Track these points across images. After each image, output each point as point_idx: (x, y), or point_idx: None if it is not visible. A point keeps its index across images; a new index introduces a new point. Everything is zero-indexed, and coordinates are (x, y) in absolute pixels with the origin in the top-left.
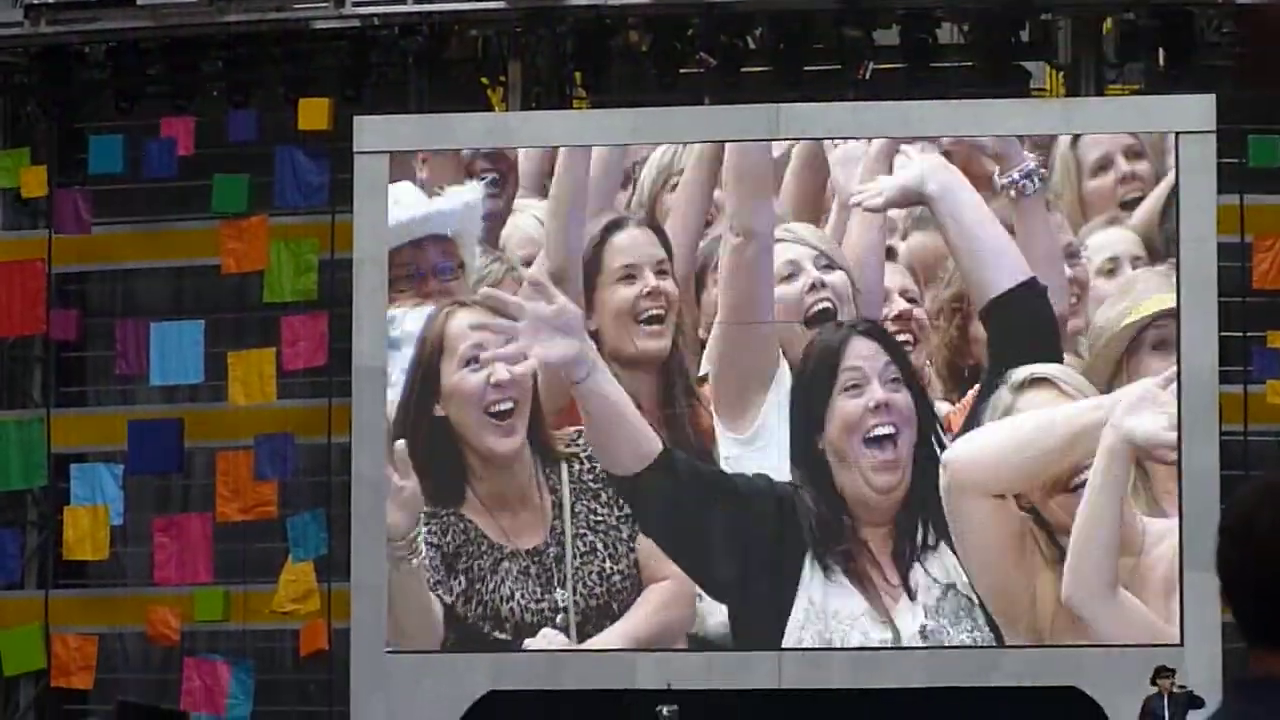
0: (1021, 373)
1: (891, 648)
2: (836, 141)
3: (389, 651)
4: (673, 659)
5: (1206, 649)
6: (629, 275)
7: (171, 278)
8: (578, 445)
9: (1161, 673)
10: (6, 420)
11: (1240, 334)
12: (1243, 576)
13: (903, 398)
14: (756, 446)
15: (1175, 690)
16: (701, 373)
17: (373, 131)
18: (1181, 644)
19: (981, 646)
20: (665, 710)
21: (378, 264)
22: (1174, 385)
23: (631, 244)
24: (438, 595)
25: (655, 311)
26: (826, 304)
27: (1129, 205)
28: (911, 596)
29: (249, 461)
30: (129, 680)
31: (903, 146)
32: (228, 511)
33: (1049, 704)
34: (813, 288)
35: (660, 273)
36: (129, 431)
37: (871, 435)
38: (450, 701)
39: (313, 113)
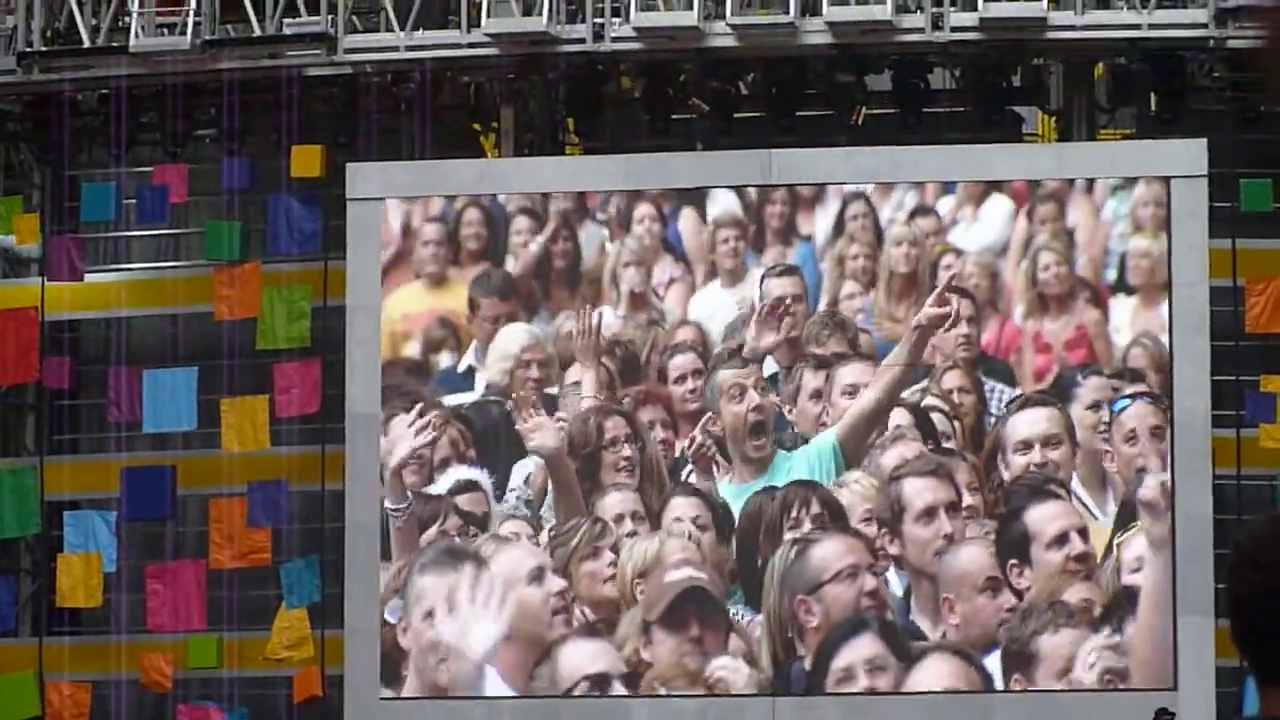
0: None
1: (886, 693)
2: None
3: (383, 698)
4: (668, 704)
5: (1201, 692)
6: None
7: (164, 325)
8: None
9: (1162, 716)
10: (0, 469)
11: (1233, 378)
12: (1248, 613)
13: None
14: None
15: None
16: None
17: (365, 178)
18: (1175, 688)
19: (975, 691)
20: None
21: (370, 311)
22: None
23: None
24: None
25: None
26: None
27: None
28: None
29: (242, 508)
30: None
31: None
32: (221, 558)
33: None
34: None
35: None
36: (122, 478)
37: None
38: None
39: (305, 160)
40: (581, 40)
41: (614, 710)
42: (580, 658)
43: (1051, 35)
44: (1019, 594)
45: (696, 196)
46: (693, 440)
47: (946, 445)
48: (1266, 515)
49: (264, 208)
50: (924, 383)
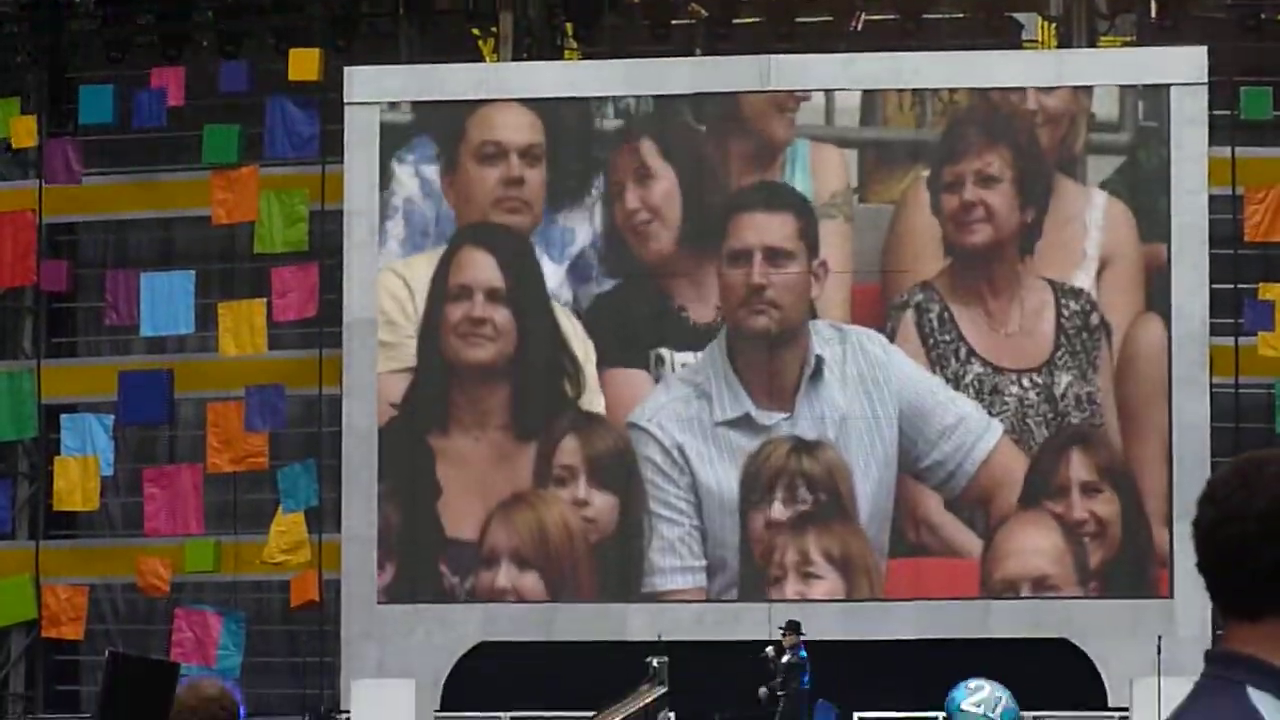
0: None
1: (882, 599)
2: None
3: (380, 603)
4: (664, 610)
5: (1197, 600)
6: None
7: (162, 228)
8: None
9: (789, 627)
10: None
11: (1231, 286)
12: (1204, 545)
13: None
14: None
15: (789, 650)
16: None
17: (363, 82)
18: (1171, 596)
19: (970, 598)
20: (655, 661)
21: (368, 216)
22: None
23: None
24: None
25: None
26: None
27: None
28: None
29: (239, 412)
30: (119, 631)
31: None
32: (218, 462)
33: (1039, 656)
34: None
35: None
36: (119, 382)
37: None
38: (442, 652)
39: (303, 63)
40: None
41: (610, 614)
42: None
43: None
44: None
45: None
46: None
47: None
48: (1231, 460)
49: (261, 111)
50: None
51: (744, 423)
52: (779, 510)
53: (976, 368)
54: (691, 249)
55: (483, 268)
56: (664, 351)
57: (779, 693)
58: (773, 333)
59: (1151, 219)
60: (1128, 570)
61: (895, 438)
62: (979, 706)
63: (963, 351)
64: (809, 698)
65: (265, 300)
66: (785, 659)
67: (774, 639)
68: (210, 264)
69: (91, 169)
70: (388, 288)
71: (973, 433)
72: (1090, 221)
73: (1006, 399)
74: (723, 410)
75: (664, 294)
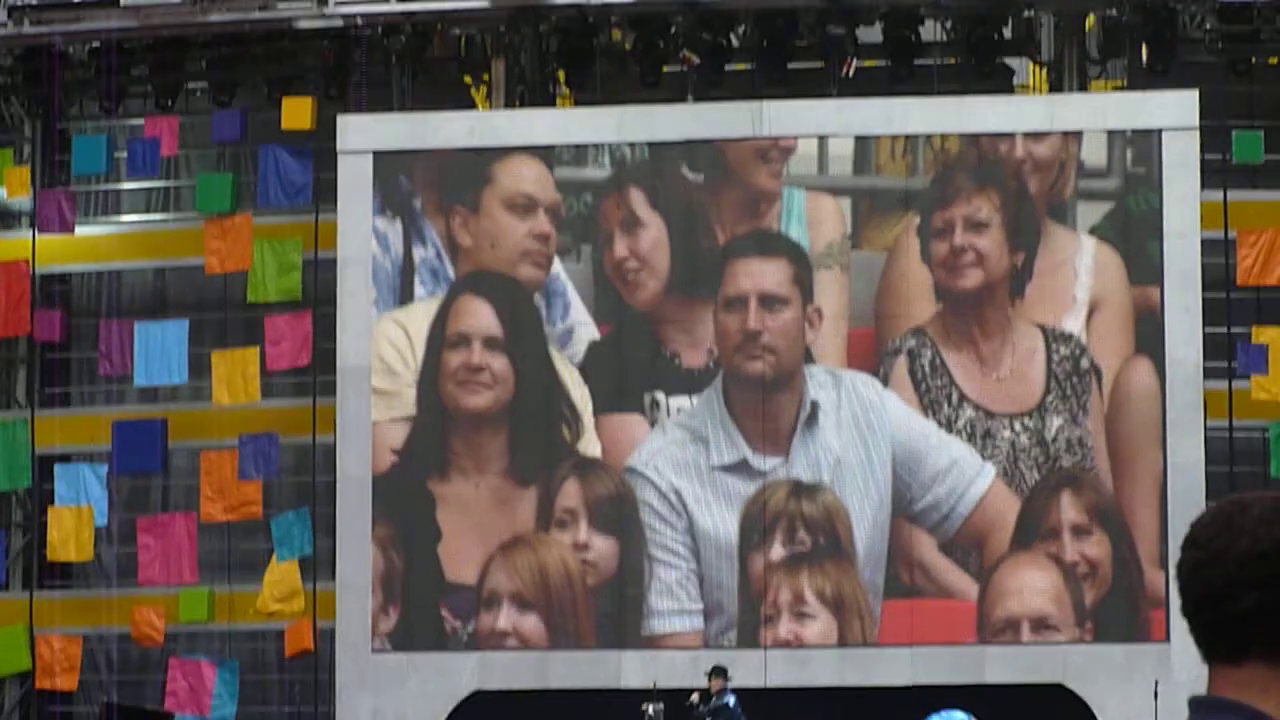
0: None
1: (875, 644)
2: None
3: (375, 651)
4: (658, 657)
5: (1194, 647)
6: None
7: (155, 277)
8: None
9: (715, 673)
10: None
11: (1225, 329)
12: (1188, 588)
13: None
14: None
15: (715, 695)
16: None
17: (356, 130)
18: (1167, 640)
19: (965, 644)
20: (651, 709)
21: (361, 264)
22: None
23: None
24: None
25: None
26: None
27: None
28: None
29: (233, 461)
30: (113, 681)
31: None
32: (212, 511)
33: (1036, 702)
34: None
35: None
36: (113, 432)
37: None
38: (437, 700)
39: (296, 112)
40: None
41: (605, 661)
42: None
43: None
44: None
45: None
46: None
47: None
48: (1213, 505)
49: (254, 160)
50: None
51: (740, 468)
52: (777, 551)
53: (969, 412)
54: (682, 296)
55: (481, 316)
56: (659, 396)
57: None
58: (768, 377)
59: (1141, 263)
60: (1121, 610)
61: (889, 480)
62: None
63: (955, 396)
64: None
65: (259, 349)
66: (711, 704)
67: (704, 686)
68: (204, 313)
69: (85, 219)
70: (387, 335)
71: (966, 476)
72: (1080, 266)
73: (998, 443)
74: (719, 455)
75: (656, 340)
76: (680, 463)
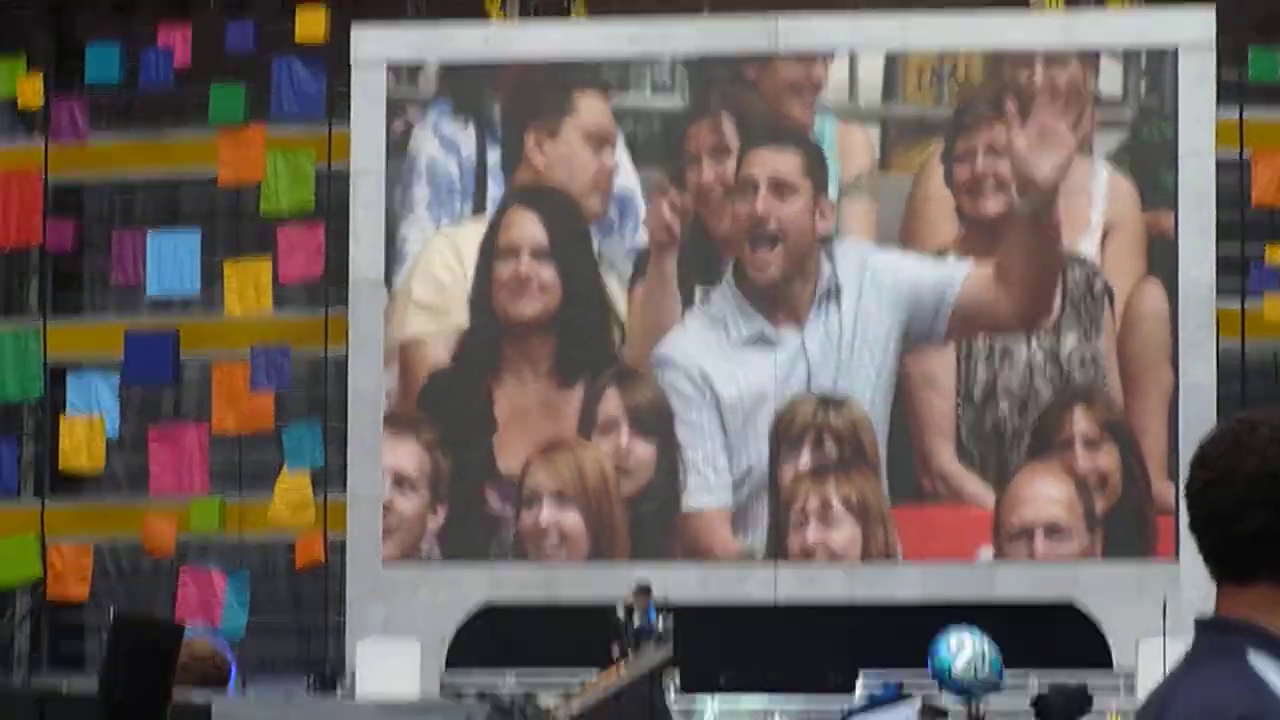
0: None
1: (889, 562)
2: None
3: (385, 562)
4: (669, 571)
5: (1203, 566)
6: None
7: (168, 188)
8: None
9: (639, 591)
10: (2, 331)
11: (1238, 249)
12: (1196, 506)
13: None
14: None
15: (639, 612)
16: None
17: (370, 41)
18: (1176, 558)
19: (983, 550)
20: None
21: (375, 176)
22: None
23: None
24: None
25: None
26: None
27: None
28: None
29: (244, 372)
30: (124, 591)
31: None
32: (223, 422)
33: (1044, 619)
34: None
35: None
36: (125, 342)
37: None
38: (447, 612)
39: (310, 23)
40: None
41: (615, 574)
42: None
43: None
44: None
45: None
46: None
47: None
48: (1222, 424)
49: (268, 71)
50: None
51: (760, 340)
52: (805, 461)
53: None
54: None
55: (528, 227)
56: (695, 289)
57: (629, 654)
58: (777, 263)
59: (1154, 189)
60: (1130, 519)
61: (896, 352)
62: (969, 667)
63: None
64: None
65: (271, 260)
66: (635, 622)
67: (642, 599)
68: (216, 224)
69: (98, 128)
70: (439, 252)
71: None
72: (1095, 193)
73: (1015, 359)
74: (739, 332)
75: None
76: (705, 344)
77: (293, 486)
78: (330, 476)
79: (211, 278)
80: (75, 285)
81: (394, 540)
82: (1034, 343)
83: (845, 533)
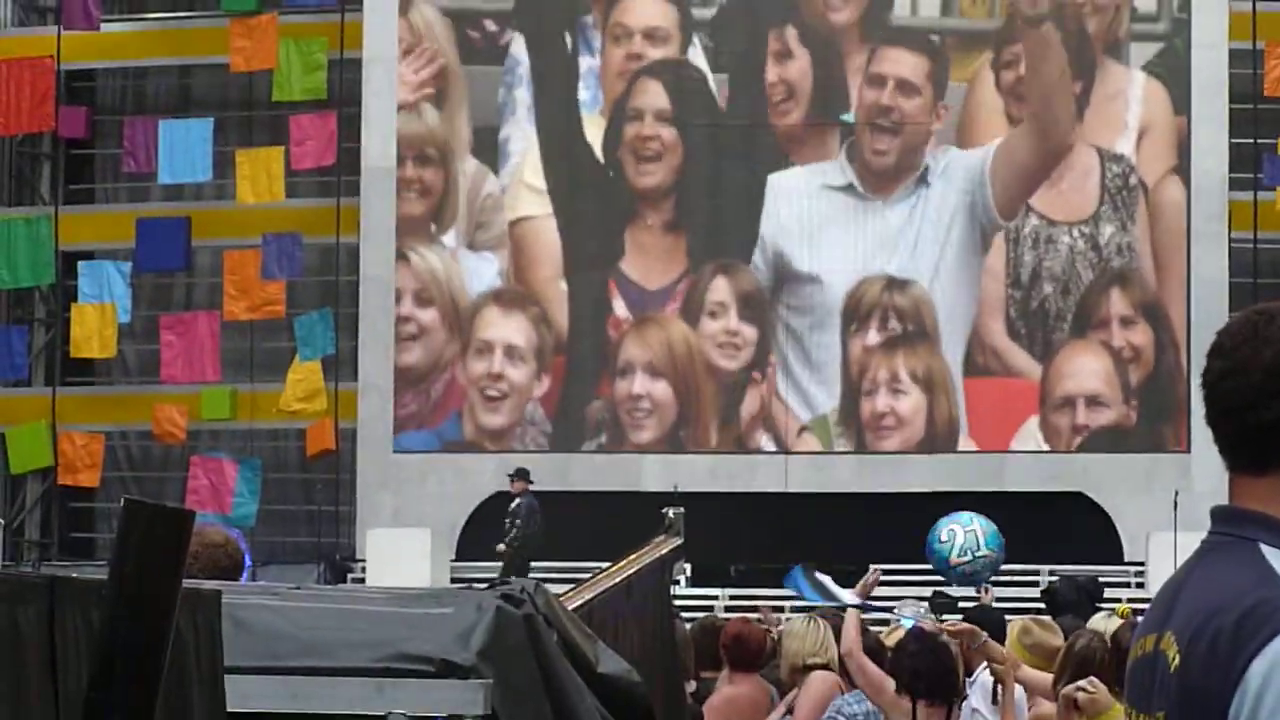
0: None
1: (897, 452)
2: None
3: (396, 451)
4: (679, 461)
5: (1214, 454)
6: None
7: (180, 75)
8: None
9: (517, 474)
10: (15, 218)
11: (1251, 141)
12: (1213, 396)
13: None
14: None
15: (518, 497)
16: None
17: None
18: (1189, 450)
19: (987, 451)
20: (671, 513)
21: (387, 64)
22: None
23: None
24: None
25: None
26: None
27: None
28: None
29: (256, 260)
30: (135, 478)
31: None
32: (235, 310)
33: (1055, 510)
34: None
35: None
36: (137, 229)
37: None
38: (457, 501)
39: None
40: None
41: (626, 464)
42: None
43: None
44: None
45: None
46: None
47: None
48: (1239, 314)
49: None
50: None
51: (850, 190)
52: (873, 337)
53: (1034, 220)
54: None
55: (652, 93)
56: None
57: (507, 541)
58: (889, 146)
59: (1183, 95)
60: (1162, 388)
61: (959, 240)
62: (964, 553)
63: (1023, 207)
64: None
65: (283, 148)
66: (512, 506)
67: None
68: (228, 111)
69: (110, 15)
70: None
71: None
72: (1131, 97)
73: (1059, 246)
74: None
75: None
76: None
77: (304, 375)
78: (341, 365)
79: (224, 165)
80: (87, 172)
81: (505, 406)
82: (1075, 232)
83: (912, 400)
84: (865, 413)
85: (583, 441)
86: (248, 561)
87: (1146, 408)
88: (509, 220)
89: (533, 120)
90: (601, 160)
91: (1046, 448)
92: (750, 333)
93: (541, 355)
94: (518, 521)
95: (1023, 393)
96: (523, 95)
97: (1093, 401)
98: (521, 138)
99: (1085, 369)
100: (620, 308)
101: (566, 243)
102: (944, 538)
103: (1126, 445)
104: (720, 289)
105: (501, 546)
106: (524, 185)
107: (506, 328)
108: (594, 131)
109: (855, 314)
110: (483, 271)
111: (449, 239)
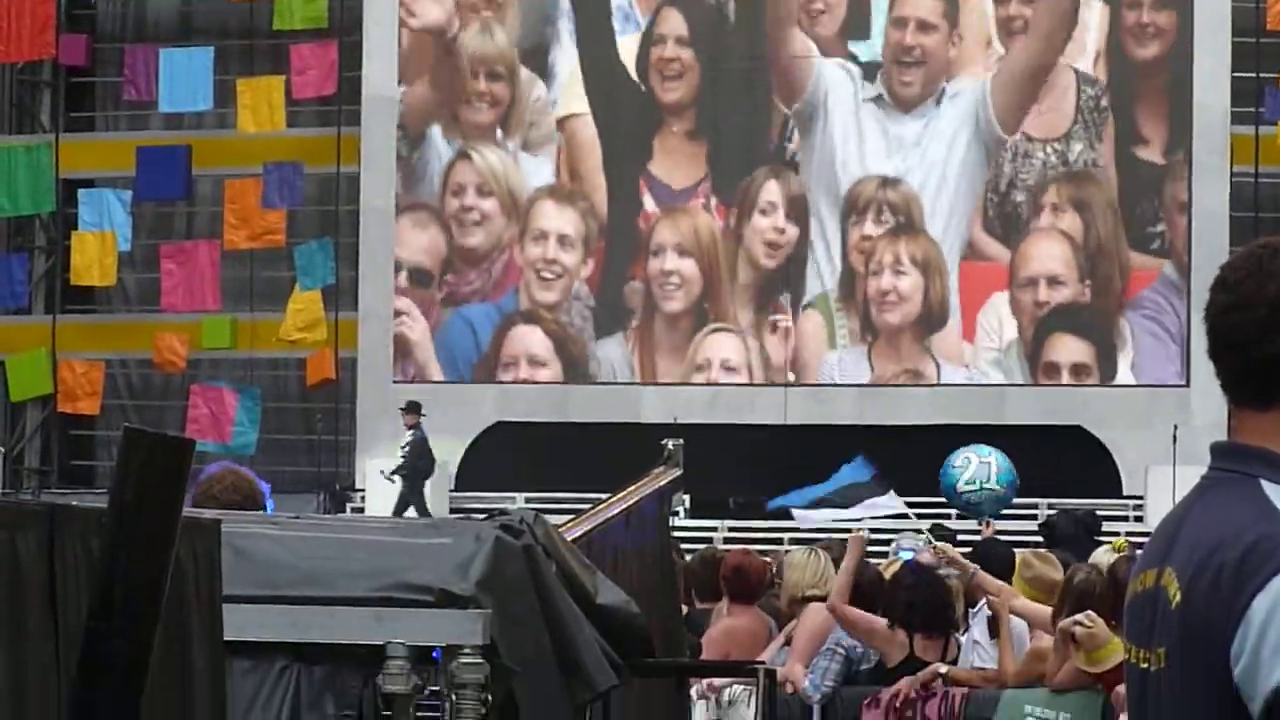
0: None
1: (899, 384)
2: None
3: (396, 381)
4: (679, 393)
5: (1214, 389)
6: None
7: (181, 2)
8: None
9: (408, 408)
10: (15, 145)
11: (1253, 75)
12: (1217, 330)
13: None
14: None
15: (409, 430)
16: None
17: None
18: (1188, 384)
19: (988, 385)
20: (670, 444)
21: None
22: None
23: None
24: None
25: None
26: None
27: None
28: None
29: (257, 189)
30: (135, 407)
31: None
32: (235, 239)
33: (1055, 443)
34: None
35: None
36: (137, 157)
37: None
38: (458, 430)
39: None
40: None
41: (625, 395)
42: None
43: None
44: None
45: None
46: None
47: None
48: (1243, 248)
49: None
50: None
51: (881, 100)
52: (870, 227)
53: (1016, 136)
54: None
55: (673, 22)
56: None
57: (393, 473)
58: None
59: (1187, 29)
60: (1109, 266)
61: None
62: (972, 482)
63: (1010, 122)
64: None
65: (284, 77)
66: (405, 440)
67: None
68: (229, 40)
69: None
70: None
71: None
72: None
73: (1033, 161)
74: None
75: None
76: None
77: (304, 305)
78: (341, 294)
79: (224, 94)
80: (88, 100)
81: (555, 286)
82: (1049, 148)
83: (911, 280)
84: (871, 290)
85: (624, 319)
86: (270, 507)
87: (1097, 284)
88: (557, 118)
89: (574, 42)
90: (635, 78)
91: (1014, 323)
92: (793, 231)
93: (587, 242)
94: (406, 453)
95: (995, 273)
96: (565, 24)
97: (1053, 281)
98: (566, 60)
99: (1045, 253)
100: (649, 203)
101: (605, 146)
102: (958, 463)
103: (1080, 322)
104: (772, 190)
105: (392, 478)
106: (572, 94)
107: (560, 219)
108: (627, 54)
109: (854, 208)
110: (540, 169)
111: (512, 144)
